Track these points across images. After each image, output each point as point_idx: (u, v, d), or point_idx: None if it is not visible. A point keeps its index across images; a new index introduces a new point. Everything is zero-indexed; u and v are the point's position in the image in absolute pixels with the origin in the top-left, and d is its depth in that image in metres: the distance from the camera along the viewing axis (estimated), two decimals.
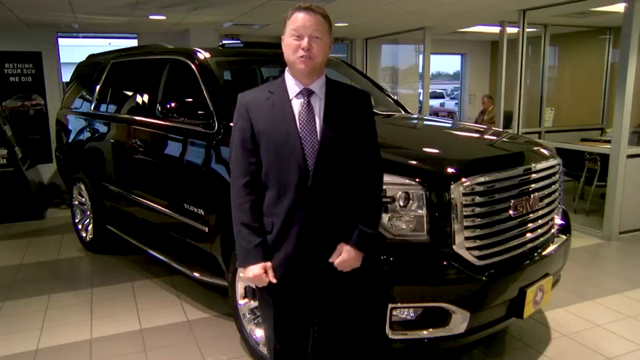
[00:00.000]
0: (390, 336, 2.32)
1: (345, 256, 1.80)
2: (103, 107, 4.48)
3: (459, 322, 2.33)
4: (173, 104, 3.06)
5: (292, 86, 1.81)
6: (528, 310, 2.55)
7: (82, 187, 4.71)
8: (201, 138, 3.10)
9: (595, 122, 7.85)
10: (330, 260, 1.81)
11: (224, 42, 4.27)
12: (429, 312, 2.34)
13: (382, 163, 1.94)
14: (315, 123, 1.78)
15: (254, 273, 1.80)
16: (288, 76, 1.84)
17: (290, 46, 1.76)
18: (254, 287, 1.88)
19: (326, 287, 1.86)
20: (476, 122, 8.30)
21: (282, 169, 1.77)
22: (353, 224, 1.84)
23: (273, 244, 1.81)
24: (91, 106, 4.66)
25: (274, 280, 1.80)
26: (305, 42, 1.73)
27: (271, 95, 1.83)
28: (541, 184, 2.69)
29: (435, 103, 18.68)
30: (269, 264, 1.81)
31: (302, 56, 1.73)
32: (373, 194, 1.89)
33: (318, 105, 1.80)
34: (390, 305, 2.28)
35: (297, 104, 1.80)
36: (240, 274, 2.78)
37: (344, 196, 1.82)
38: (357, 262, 1.84)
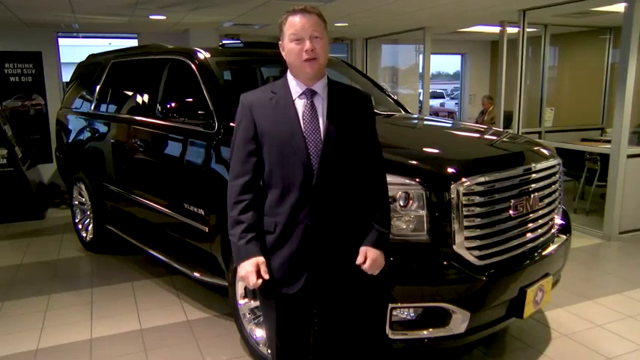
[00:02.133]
0: (390, 336, 2.32)
1: (373, 257, 1.83)
2: (103, 107, 4.48)
3: (459, 322, 2.33)
4: (173, 104, 3.06)
5: (295, 87, 1.82)
6: (528, 310, 2.55)
7: (82, 187, 4.71)
8: (201, 138, 3.10)
9: (595, 122, 7.85)
10: (358, 263, 1.83)
11: (224, 42, 4.27)
12: (429, 312, 2.35)
13: (384, 164, 1.94)
14: (318, 122, 1.79)
15: (246, 270, 1.76)
16: (290, 77, 1.85)
17: (293, 51, 1.76)
18: (254, 287, 1.86)
19: (330, 286, 1.86)
20: (476, 122, 8.31)
21: (286, 169, 1.77)
22: (367, 225, 1.86)
23: (275, 244, 1.81)
24: (91, 106, 4.66)
25: (266, 277, 1.77)
26: (307, 44, 1.73)
27: (274, 95, 1.84)
28: (541, 184, 2.69)
29: (435, 103, 18.69)
30: (262, 259, 1.78)
31: (307, 59, 1.74)
32: (382, 194, 1.91)
33: (321, 105, 1.81)
34: (390, 305, 2.29)
35: (300, 104, 1.80)
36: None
37: (347, 194, 1.83)
38: (383, 262, 1.87)
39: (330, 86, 1.85)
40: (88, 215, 4.76)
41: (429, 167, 2.43)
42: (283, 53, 1.82)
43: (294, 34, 1.74)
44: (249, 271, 1.76)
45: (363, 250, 1.83)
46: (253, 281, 1.77)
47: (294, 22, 1.75)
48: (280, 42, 1.82)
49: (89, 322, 3.38)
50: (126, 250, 4.50)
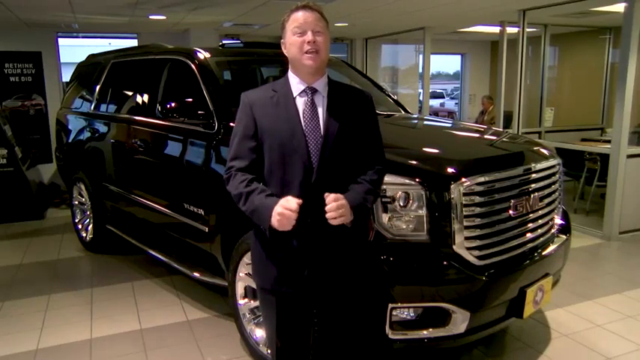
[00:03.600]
0: (390, 336, 2.32)
1: (340, 202, 1.69)
2: (103, 107, 4.48)
3: (459, 322, 2.33)
4: (173, 104, 3.06)
5: (296, 85, 1.83)
6: (528, 310, 2.55)
7: (82, 187, 4.71)
8: (201, 138, 3.10)
9: (595, 122, 7.85)
10: (327, 201, 1.69)
11: (224, 42, 4.27)
12: (429, 312, 2.34)
13: (386, 163, 1.94)
14: (318, 120, 1.79)
15: (282, 205, 1.67)
16: (291, 75, 1.86)
17: (295, 44, 1.77)
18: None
19: (330, 284, 1.86)
20: (476, 122, 8.30)
21: (286, 167, 1.77)
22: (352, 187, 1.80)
23: (276, 241, 1.81)
24: (91, 106, 4.66)
25: (300, 201, 1.68)
26: (309, 35, 1.75)
27: (275, 94, 1.85)
28: (541, 184, 2.69)
29: (435, 103, 18.69)
30: (289, 196, 1.70)
31: (308, 51, 1.75)
32: (375, 179, 1.87)
33: (322, 103, 1.82)
34: (390, 305, 2.28)
35: (300, 102, 1.81)
36: (240, 274, 2.79)
37: (346, 192, 1.82)
38: (348, 217, 1.72)
39: (330, 85, 1.86)
40: (88, 215, 4.76)
41: (429, 167, 2.43)
42: (285, 50, 1.83)
43: (297, 27, 1.76)
44: (285, 205, 1.67)
45: (333, 194, 1.70)
46: (293, 215, 1.67)
47: (297, 17, 1.77)
48: (282, 40, 1.83)
49: (89, 322, 3.38)
50: (126, 250, 4.50)
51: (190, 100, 3.13)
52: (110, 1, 5.39)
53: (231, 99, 3.00)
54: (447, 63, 29.22)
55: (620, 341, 3.06)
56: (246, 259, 2.68)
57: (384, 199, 2.27)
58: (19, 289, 3.94)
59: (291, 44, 1.78)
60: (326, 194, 1.70)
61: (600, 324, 3.26)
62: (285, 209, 1.67)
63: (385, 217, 2.29)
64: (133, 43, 8.32)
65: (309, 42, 1.75)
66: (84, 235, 4.85)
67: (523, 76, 6.28)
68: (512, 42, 6.49)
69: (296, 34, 1.77)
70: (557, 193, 2.87)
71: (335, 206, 1.69)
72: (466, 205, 2.33)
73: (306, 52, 1.75)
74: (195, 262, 3.33)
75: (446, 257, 2.31)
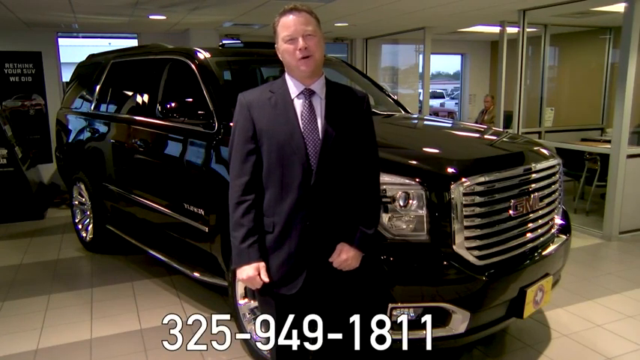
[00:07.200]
0: (391, 336, 2.32)
1: (344, 256, 1.82)
2: (103, 107, 4.48)
3: (459, 322, 2.33)
4: (173, 104, 3.06)
5: (293, 87, 1.83)
6: (528, 310, 2.55)
7: (82, 187, 4.72)
8: (201, 138, 3.10)
9: (595, 122, 7.85)
10: (330, 260, 1.82)
11: (224, 42, 4.27)
12: (429, 312, 2.34)
13: (379, 163, 1.94)
14: (316, 122, 1.79)
15: (247, 274, 1.80)
16: (288, 77, 1.85)
17: (287, 51, 1.78)
18: (253, 288, 1.87)
19: (328, 286, 1.86)
20: (476, 122, 8.31)
21: (284, 169, 1.77)
22: (353, 224, 1.85)
23: (274, 244, 1.81)
24: (91, 106, 4.67)
25: (267, 280, 1.80)
26: (300, 43, 1.74)
27: (273, 95, 1.84)
28: (541, 184, 2.69)
29: (435, 103, 18.69)
30: (262, 264, 1.80)
31: (301, 58, 1.75)
32: (372, 194, 1.90)
33: (319, 105, 1.82)
34: (390, 305, 2.28)
35: (298, 104, 1.81)
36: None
37: (345, 194, 1.83)
38: (357, 262, 1.85)
39: (327, 86, 1.86)
40: (88, 215, 4.76)
41: (429, 167, 2.43)
42: (279, 54, 1.83)
43: (287, 35, 1.77)
44: (251, 275, 1.79)
45: (339, 247, 1.83)
46: (257, 285, 1.81)
47: (286, 23, 1.77)
48: (276, 45, 1.83)
49: (89, 322, 3.38)
50: (126, 250, 4.50)
51: (190, 100, 3.13)
52: (110, 1, 5.39)
53: (232, 99, 2.98)
54: (447, 63, 29.21)
55: (620, 341, 3.06)
56: None
57: (384, 199, 2.27)
58: (19, 289, 3.94)
59: (284, 51, 1.79)
60: (332, 256, 1.82)
61: (600, 324, 3.26)
62: (249, 283, 1.84)
63: (385, 217, 2.29)
64: (133, 43, 8.32)
65: (300, 49, 1.74)
66: (84, 235, 4.85)
67: (523, 76, 6.28)
68: (512, 42, 6.49)
69: (287, 42, 1.77)
70: (557, 193, 2.87)
71: (338, 264, 1.81)
72: (466, 205, 2.33)
73: (299, 59, 1.75)
74: (195, 262, 3.33)
75: (446, 257, 2.31)
